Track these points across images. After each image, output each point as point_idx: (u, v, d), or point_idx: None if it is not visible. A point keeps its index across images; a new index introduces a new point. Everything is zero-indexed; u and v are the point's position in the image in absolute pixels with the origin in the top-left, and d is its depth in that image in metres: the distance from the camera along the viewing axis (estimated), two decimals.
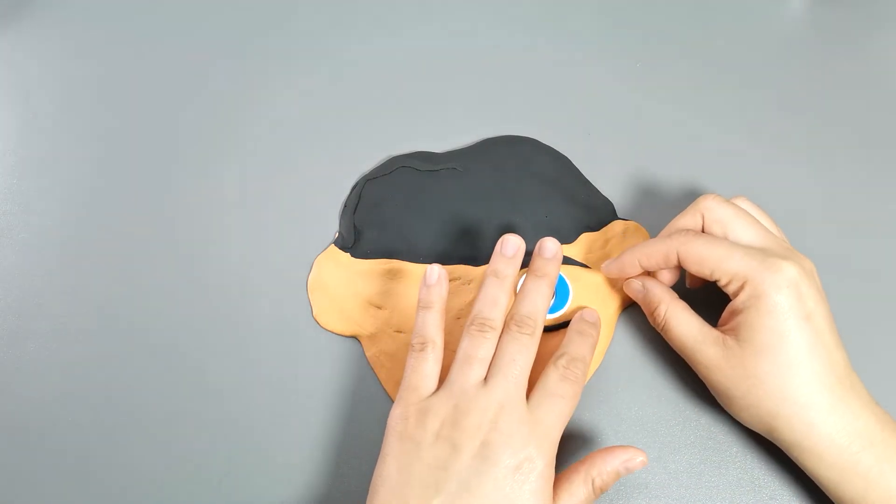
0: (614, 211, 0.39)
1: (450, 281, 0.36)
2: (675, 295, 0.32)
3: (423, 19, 0.47)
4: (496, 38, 0.46)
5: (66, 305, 0.38)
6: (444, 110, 0.43)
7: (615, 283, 0.36)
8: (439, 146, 0.41)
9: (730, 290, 0.30)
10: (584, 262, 0.37)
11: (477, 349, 0.29)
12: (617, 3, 0.47)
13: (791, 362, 0.28)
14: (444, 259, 0.37)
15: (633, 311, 0.36)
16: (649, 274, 0.33)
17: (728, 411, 0.31)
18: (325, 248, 0.38)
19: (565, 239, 0.37)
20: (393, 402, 0.34)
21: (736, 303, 0.29)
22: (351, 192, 0.40)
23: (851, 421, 0.27)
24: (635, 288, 0.33)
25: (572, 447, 0.33)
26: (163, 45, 0.47)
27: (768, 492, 0.32)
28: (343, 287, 0.37)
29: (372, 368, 0.35)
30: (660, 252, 0.31)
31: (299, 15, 0.48)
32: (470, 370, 0.28)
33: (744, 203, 0.33)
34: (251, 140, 0.43)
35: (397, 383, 0.34)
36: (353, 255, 0.38)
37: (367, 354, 0.36)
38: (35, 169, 0.43)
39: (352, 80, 0.45)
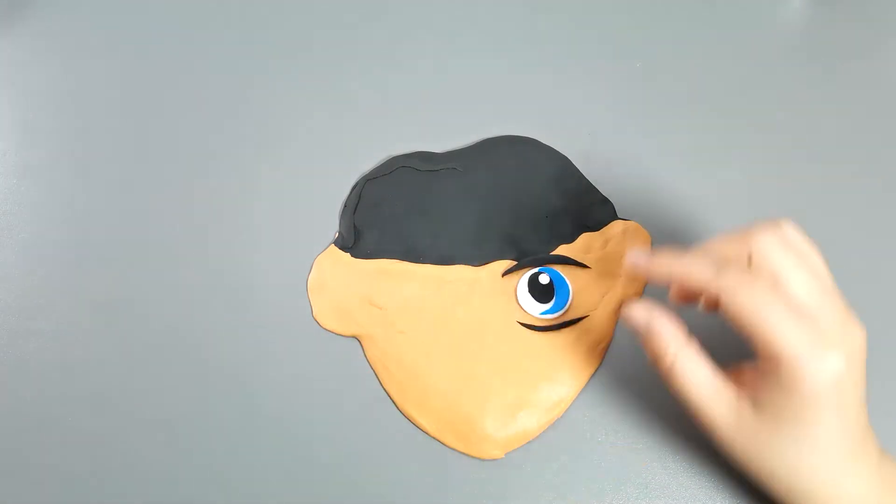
0: (614, 211, 0.39)
1: (449, 282, 0.36)
2: (686, 335, 0.28)
3: (424, 19, 0.47)
4: (496, 38, 0.46)
5: (66, 305, 0.38)
6: (444, 110, 0.43)
7: (615, 283, 0.36)
8: (439, 146, 0.41)
9: (761, 352, 0.26)
10: (584, 262, 0.37)
11: None
12: (617, 3, 0.47)
13: (814, 446, 0.25)
14: (444, 259, 0.37)
15: None
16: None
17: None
18: (325, 248, 0.38)
19: (565, 239, 0.37)
20: (393, 402, 0.34)
21: (765, 368, 0.25)
22: (351, 192, 0.40)
23: (868, 476, 0.26)
24: (638, 320, 0.29)
25: (573, 446, 0.33)
26: (163, 44, 0.47)
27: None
28: (343, 287, 0.37)
29: (372, 369, 0.35)
30: (700, 281, 0.26)
31: (299, 15, 0.48)
32: None
33: (793, 234, 0.27)
34: (251, 140, 0.43)
35: (398, 384, 0.34)
36: (353, 255, 0.38)
37: (368, 355, 0.36)
38: (35, 169, 0.43)
39: (352, 79, 0.45)
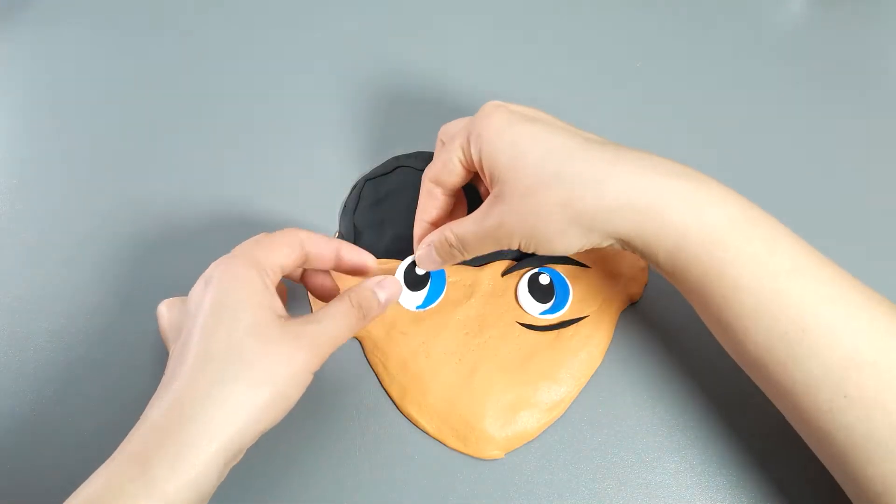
0: None
1: (449, 283, 0.36)
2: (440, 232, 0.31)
3: (425, 19, 0.47)
4: (496, 38, 0.46)
5: (66, 305, 0.38)
6: (444, 110, 0.43)
7: (615, 283, 0.36)
8: None
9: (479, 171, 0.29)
10: (583, 262, 0.36)
11: None
12: (617, 3, 0.47)
13: (542, 147, 0.27)
14: None
15: (633, 311, 0.36)
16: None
17: (551, 252, 0.29)
18: None
19: None
20: (393, 402, 0.35)
21: (479, 167, 0.29)
22: (351, 192, 0.40)
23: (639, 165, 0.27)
24: (425, 253, 0.32)
25: (573, 446, 0.33)
26: (163, 44, 0.47)
27: (768, 492, 0.32)
28: (343, 287, 0.37)
29: (372, 369, 0.35)
30: (451, 145, 0.31)
31: (300, 14, 0.48)
32: None
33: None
34: (252, 140, 0.43)
35: (398, 384, 0.34)
36: None
37: (367, 355, 0.36)
38: (35, 169, 0.43)
39: (352, 79, 0.45)
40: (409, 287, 0.35)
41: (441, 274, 0.35)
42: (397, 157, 0.41)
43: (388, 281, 0.30)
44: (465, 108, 0.43)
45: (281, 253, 0.29)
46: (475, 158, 0.29)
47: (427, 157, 0.40)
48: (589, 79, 0.44)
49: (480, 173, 0.30)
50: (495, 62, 0.45)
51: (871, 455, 0.23)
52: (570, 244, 0.27)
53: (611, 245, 0.28)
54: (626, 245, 0.27)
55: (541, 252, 0.28)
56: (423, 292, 0.35)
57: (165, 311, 0.29)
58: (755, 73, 0.43)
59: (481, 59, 0.45)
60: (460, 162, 0.30)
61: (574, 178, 0.26)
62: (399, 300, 0.35)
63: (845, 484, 0.26)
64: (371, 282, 0.30)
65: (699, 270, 0.26)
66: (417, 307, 0.35)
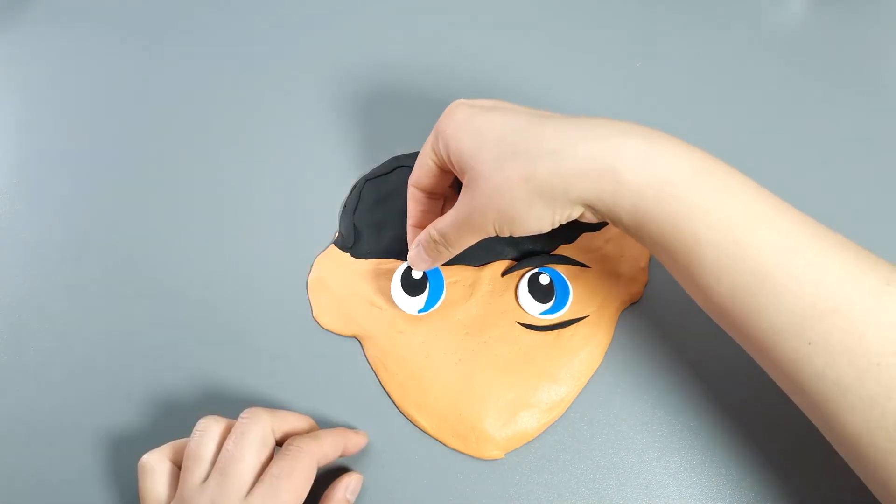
0: None
1: (449, 283, 0.36)
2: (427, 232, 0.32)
3: (423, 18, 0.47)
4: (495, 38, 0.46)
5: (66, 305, 0.38)
6: (443, 110, 0.43)
7: (615, 283, 0.36)
8: None
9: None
10: (583, 262, 0.36)
11: (198, 448, 0.29)
12: (617, 3, 0.47)
13: (499, 130, 0.27)
14: None
15: (633, 311, 0.36)
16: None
17: (522, 233, 0.29)
18: (325, 248, 0.38)
19: (566, 239, 0.37)
20: (393, 402, 0.35)
21: (449, 163, 0.30)
22: (351, 192, 0.40)
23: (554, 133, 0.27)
24: (415, 253, 0.33)
25: (573, 446, 0.33)
26: (163, 44, 0.47)
27: (768, 492, 0.32)
28: (343, 287, 0.37)
29: (372, 369, 0.35)
30: (424, 154, 0.32)
31: (300, 15, 0.48)
32: (193, 469, 0.29)
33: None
34: (251, 140, 0.43)
35: (398, 384, 0.34)
36: (353, 255, 0.38)
37: (367, 355, 0.36)
38: (35, 169, 0.43)
39: (352, 79, 0.45)
40: (408, 292, 0.35)
41: (438, 277, 0.35)
42: (397, 157, 0.41)
43: (353, 482, 0.32)
44: None
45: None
46: (444, 155, 0.30)
47: None
48: (589, 78, 0.44)
49: (452, 169, 0.30)
50: (495, 61, 0.45)
51: (840, 401, 0.23)
52: (540, 218, 0.28)
53: (581, 214, 0.28)
54: (593, 210, 0.28)
55: (516, 234, 0.29)
56: (423, 297, 0.35)
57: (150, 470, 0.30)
58: (755, 73, 0.43)
59: (481, 59, 0.45)
60: (434, 162, 0.31)
61: (530, 151, 0.27)
62: (400, 306, 0.35)
63: (824, 430, 0.26)
64: (340, 489, 0.31)
65: (658, 227, 0.26)
66: (419, 311, 0.35)
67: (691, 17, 0.46)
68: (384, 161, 0.41)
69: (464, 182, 0.29)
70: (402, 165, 0.40)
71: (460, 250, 0.32)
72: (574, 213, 0.28)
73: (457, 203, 0.30)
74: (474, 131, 0.28)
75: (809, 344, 0.24)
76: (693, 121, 0.42)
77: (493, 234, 0.29)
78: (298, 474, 0.28)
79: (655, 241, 0.27)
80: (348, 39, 0.47)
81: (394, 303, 0.36)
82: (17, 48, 0.48)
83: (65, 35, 0.49)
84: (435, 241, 0.32)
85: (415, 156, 0.41)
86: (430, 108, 0.43)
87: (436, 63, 0.45)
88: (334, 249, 0.38)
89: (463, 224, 0.30)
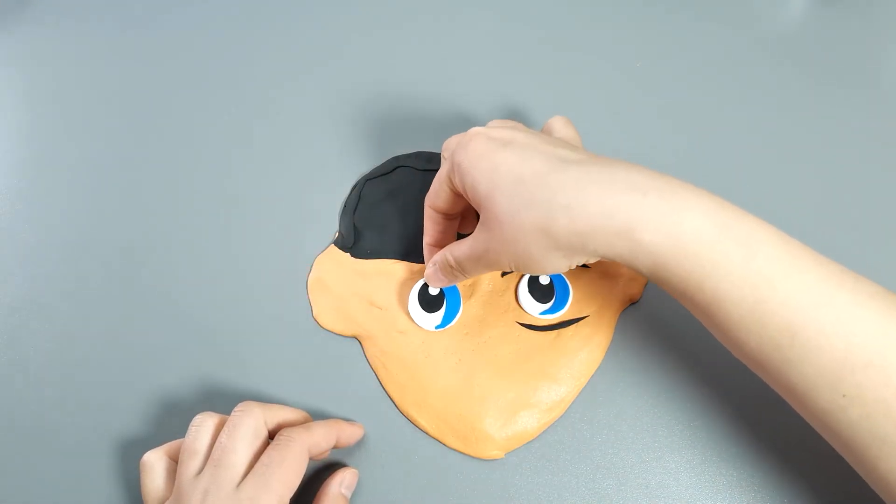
0: None
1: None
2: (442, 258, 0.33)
3: (423, 18, 0.47)
4: (495, 39, 0.46)
5: (66, 305, 0.38)
6: (444, 110, 0.43)
7: (615, 283, 0.36)
8: (439, 146, 0.41)
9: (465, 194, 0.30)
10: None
11: (193, 442, 0.30)
12: (617, 3, 0.47)
13: (514, 176, 0.27)
14: None
15: (633, 311, 0.36)
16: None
17: (542, 271, 0.29)
18: (325, 248, 0.38)
19: None
20: (393, 402, 0.35)
21: (464, 194, 0.30)
22: (351, 192, 0.40)
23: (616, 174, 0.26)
24: (431, 272, 0.33)
25: (573, 446, 0.33)
26: (163, 44, 0.47)
27: (768, 491, 0.32)
28: (343, 287, 0.37)
29: (372, 368, 0.35)
30: (440, 180, 0.32)
31: (300, 14, 0.48)
32: (189, 462, 0.29)
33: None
34: (252, 140, 0.43)
35: (397, 384, 0.34)
36: (353, 255, 0.38)
37: (367, 354, 0.36)
38: (35, 169, 0.43)
39: (352, 79, 0.45)
40: (425, 308, 0.35)
41: (455, 293, 0.35)
42: (397, 157, 0.41)
43: (348, 476, 0.32)
44: (465, 108, 0.43)
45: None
46: (460, 187, 0.30)
47: (427, 157, 0.40)
48: (589, 78, 0.44)
49: (468, 200, 0.30)
50: (495, 62, 0.45)
51: (877, 451, 0.24)
52: (557, 265, 0.28)
53: (603, 257, 0.28)
54: (612, 260, 0.28)
55: (533, 273, 0.29)
56: (440, 312, 0.35)
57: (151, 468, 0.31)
58: (755, 73, 0.43)
59: (481, 60, 0.45)
60: (450, 188, 0.31)
61: (544, 204, 0.26)
62: (418, 322, 0.35)
63: (863, 474, 0.26)
64: (335, 483, 0.32)
65: (680, 283, 0.26)
66: (437, 327, 0.35)
67: (691, 17, 0.46)
68: (384, 161, 0.41)
69: (480, 217, 0.29)
70: (403, 165, 0.40)
71: (475, 276, 0.32)
72: (591, 260, 0.28)
73: (473, 236, 0.30)
74: (490, 170, 0.28)
75: (844, 396, 0.23)
76: (693, 121, 0.42)
77: (508, 270, 0.30)
78: (289, 463, 0.29)
79: (679, 294, 0.27)
80: (348, 40, 0.47)
81: (394, 303, 0.36)
82: (18, 48, 0.48)
83: (66, 35, 0.49)
84: (451, 267, 0.32)
85: (415, 156, 0.41)
86: (431, 108, 0.43)
87: (437, 63, 0.45)
88: (334, 249, 0.38)
89: (479, 259, 0.30)
